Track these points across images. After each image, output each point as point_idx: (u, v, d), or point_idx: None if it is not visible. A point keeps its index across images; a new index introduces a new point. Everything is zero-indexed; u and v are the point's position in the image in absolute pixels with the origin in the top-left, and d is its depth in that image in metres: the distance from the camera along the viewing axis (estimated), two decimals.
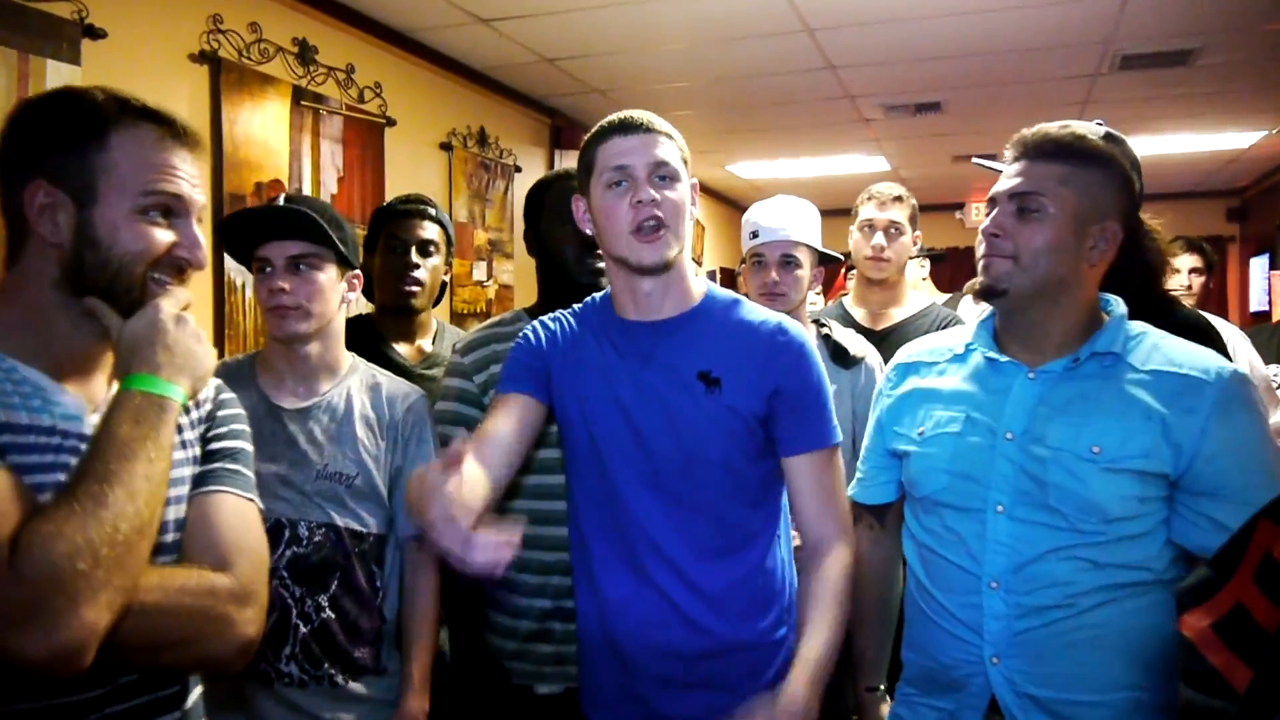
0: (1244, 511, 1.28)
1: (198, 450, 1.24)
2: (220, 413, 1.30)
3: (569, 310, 1.66)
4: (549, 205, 2.00)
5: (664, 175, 1.49)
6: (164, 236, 1.15)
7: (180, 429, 1.21)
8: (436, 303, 2.47)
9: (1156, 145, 6.27)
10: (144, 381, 1.09)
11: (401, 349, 2.34)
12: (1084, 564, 1.37)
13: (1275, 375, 2.86)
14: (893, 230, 2.79)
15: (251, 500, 1.26)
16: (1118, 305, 1.51)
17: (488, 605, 1.96)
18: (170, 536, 1.16)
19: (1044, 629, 1.39)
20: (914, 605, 1.58)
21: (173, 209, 1.15)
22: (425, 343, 2.42)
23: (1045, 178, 1.45)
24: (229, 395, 1.34)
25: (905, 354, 1.70)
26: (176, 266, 1.17)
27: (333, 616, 1.73)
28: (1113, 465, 1.37)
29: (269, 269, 1.75)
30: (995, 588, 1.42)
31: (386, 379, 1.89)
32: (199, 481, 1.22)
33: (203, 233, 1.20)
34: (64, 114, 1.13)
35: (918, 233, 2.90)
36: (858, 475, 1.73)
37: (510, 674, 1.91)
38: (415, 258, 2.33)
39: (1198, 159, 6.84)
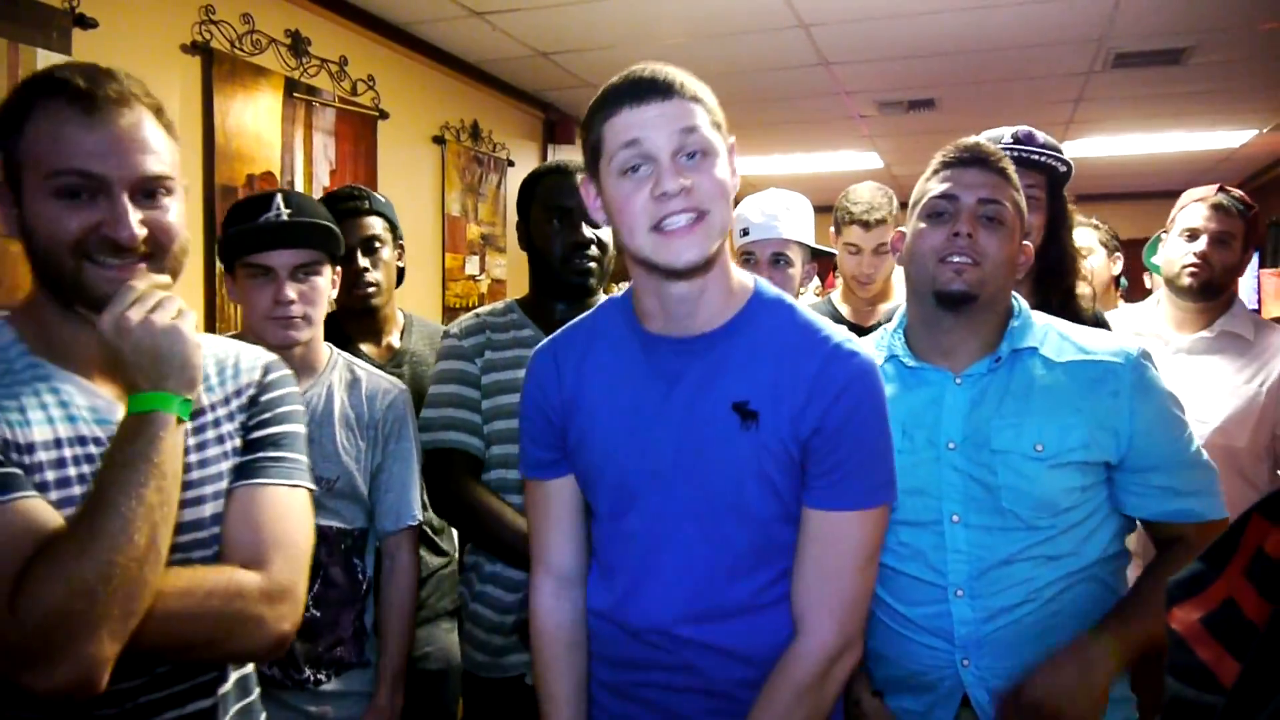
0: (1185, 471, 1.42)
1: (238, 441, 1.21)
2: (264, 396, 1.25)
3: (576, 322, 1.43)
4: (538, 200, 1.99)
5: (694, 151, 1.18)
6: (79, 218, 1.06)
7: (218, 422, 1.20)
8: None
9: (1149, 143, 6.29)
10: (131, 401, 1.05)
11: (368, 348, 2.28)
12: (1041, 560, 1.42)
13: None
14: (880, 250, 2.78)
15: (298, 486, 1.22)
16: (1020, 301, 1.56)
17: (474, 601, 1.97)
18: (207, 532, 1.15)
19: (1011, 625, 1.42)
20: (874, 619, 1.53)
21: (87, 187, 1.06)
22: (393, 339, 2.36)
23: (1001, 190, 1.49)
24: (278, 374, 1.28)
25: None
26: (114, 247, 1.07)
27: (317, 615, 1.73)
28: (1057, 460, 1.41)
29: (268, 276, 1.71)
30: (961, 595, 1.44)
31: (365, 373, 1.88)
32: (239, 473, 1.19)
33: (175, 206, 1.13)
34: (7, 100, 1.10)
35: (903, 229, 2.89)
36: None
37: (500, 667, 1.92)
38: (362, 260, 2.22)
39: (1190, 157, 6.86)
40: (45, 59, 2.43)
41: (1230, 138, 6.30)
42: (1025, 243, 1.55)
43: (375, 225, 2.28)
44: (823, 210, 2.41)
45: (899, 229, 1.61)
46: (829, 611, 1.23)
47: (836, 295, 2.97)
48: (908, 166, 7.05)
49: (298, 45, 3.40)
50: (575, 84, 4.88)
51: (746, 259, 2.30)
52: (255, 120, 3.20)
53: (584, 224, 1.93)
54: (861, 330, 2.57)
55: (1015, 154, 1.89)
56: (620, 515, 1.32)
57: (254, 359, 1.28)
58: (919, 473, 1.46)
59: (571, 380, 1.35)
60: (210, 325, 2.99)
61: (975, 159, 1.52)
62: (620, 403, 1.30)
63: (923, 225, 1.51)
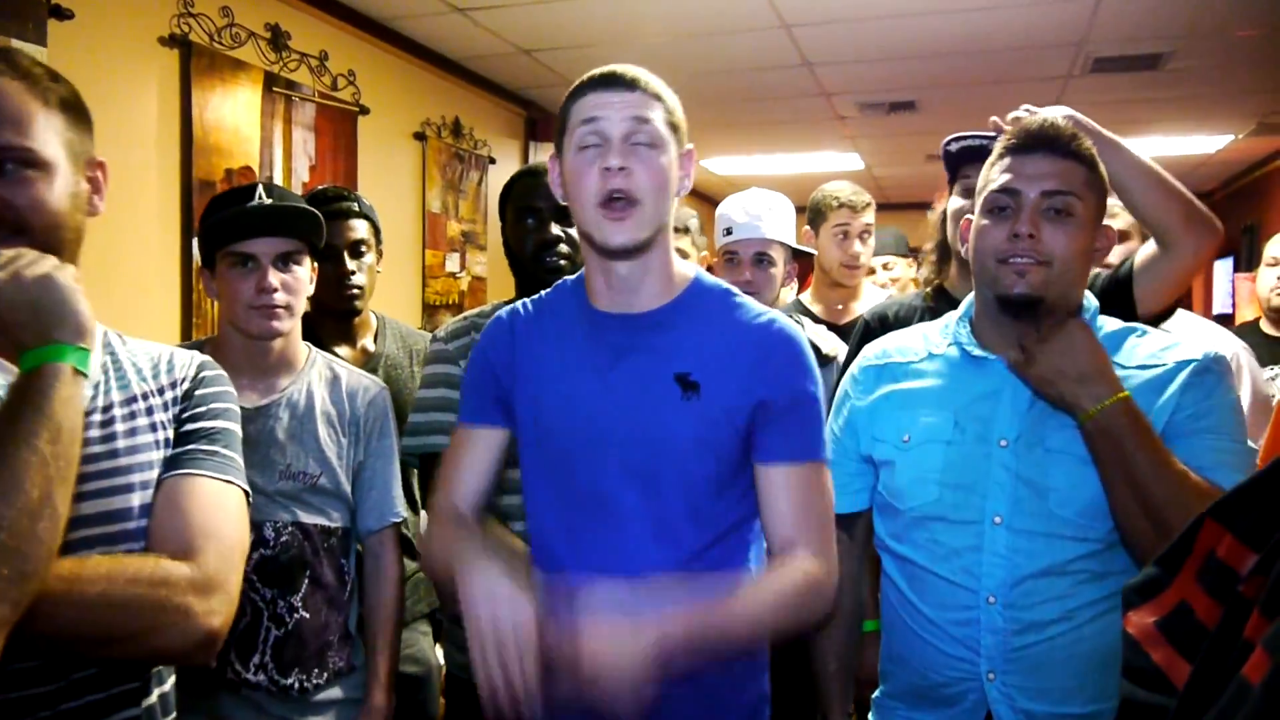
0: (1204, 455, 1.29)
1: (170, 432, 1.18)
2: (199, 391, 1.22)
3: (535, 298, 1.49)
4: (512, 201, 2.02)
5: (642, 140, 1.27)
6: None
7: (150, 410, 1.17)
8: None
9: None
10: (21, 361, 0.99)
11: (343, 351, 2.25)
12: (1084, 576, 1.33)
13: (1273, 376, 2.82)
14: (866, 234, 2.82)
15: (231, 483, 1.18)
16: (1090, 300, 1.47)
17: (449, 609, 1.97)
18: (134, 524, 1.11)
19: (1043, 643, 1.33)
20: (896, 618, 1.49)
21: None
22: (367, 342, 2.33)
23: (1073, 176, 1.37)
24: (213, 373, 1.26)
25: (873, 353, 1.59)
26: (10, 226, 1.04)
27: (306, 617, 1.71)
28: None
29: (250, 265, 1.69)
30: (993, 603, 1.35)
31: (345, 371, 1.87)
32: (170, 464, 1.15)
33: (46, 183, 1.08)
34: None
35: (971, 217, 2.94)
36: None
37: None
38: (350, 263, 2.20)
39: (1166, 163, 6.78)
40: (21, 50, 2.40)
41: (1207, 143, 6.36)
42: (1106, 223, 1.42)
43: (362, 229, 2.26)
44: (804, 210, 2.43)
45: (967, 216, 1.49)
46: (818, 543, 1.29)
47: (807, 295, 2.99)
48: (889, 168, 7.08)
49: (277, 39, 3.37)
50: (557, 82, 4.87)
51: (730, 258, 2.31)
52: (234, 114, 3.17)
53: (554, 223, 1.94)
54: (833, 329, 2.59)
55: (985, 144, 1.89)
56: (562, 481, 1.35)
57: (188, 357, 1.26)
58: (964, 467, 1.38)
59: (523, 348, 1.41)
60: (187, 323, 2.96)
61: (1040, 143, 1.38)
62: (567, 374, 1.36)
63: (984, 221, 1.40)
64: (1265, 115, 5.57)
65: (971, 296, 1.52)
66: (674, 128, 1.32)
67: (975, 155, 1.92)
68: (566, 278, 1.49)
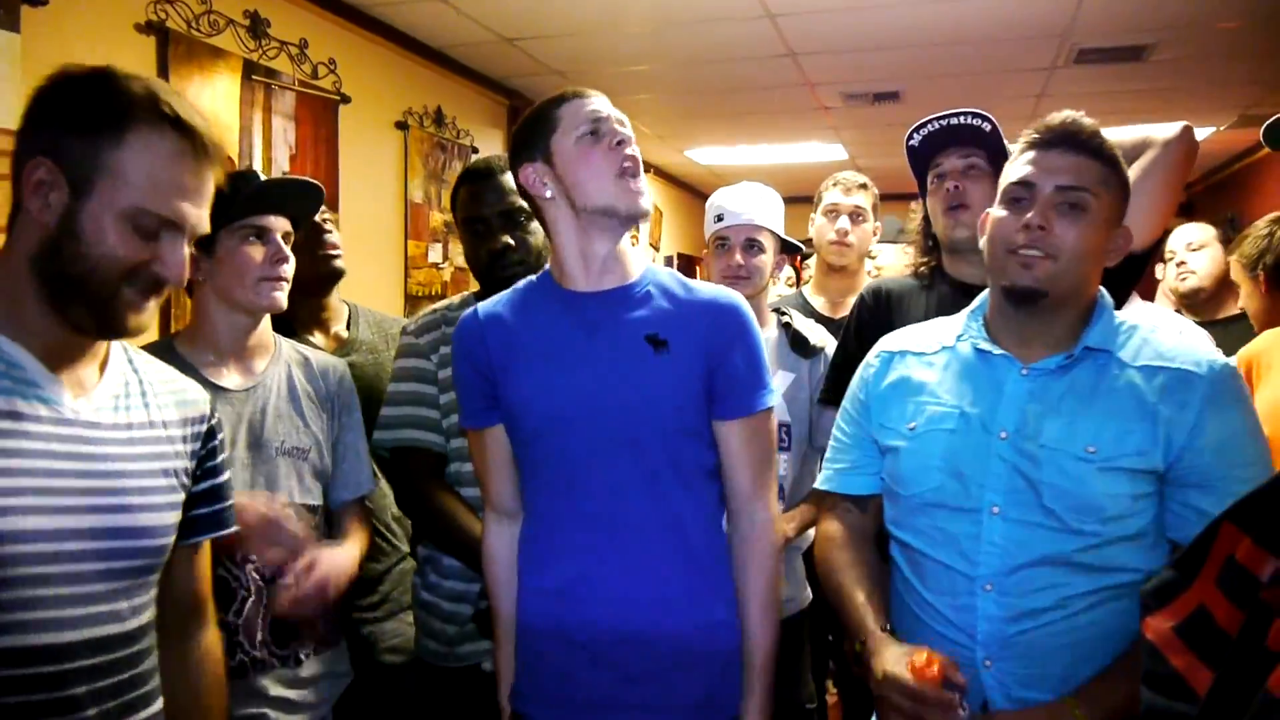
0: (1227, 502, 1.28)
1: (186, 466, 1.27)
2: (216, 440, 1.34)
3: (502, 295, 1.62)
4: (457, 214, 2.05)
5: (627, 129, 1.51)
6: (145, 249, 1.11)
7: (159, 440, 1.22)
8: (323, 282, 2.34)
9: (1110, 138, 6.35)
10: None
11: (317, 339, 2.25)
12: (1079, 567, 1.34)
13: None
14: (857, 216, 2.82)
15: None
16: (1104, 297, 1.48)
17: (427, 592, 2.00)
18: (138, 542, 1.16)
19: (1037, 630, 1.35)
20: (900, 603, 1.52)
21: (165, 229, 1.12)
22: (340, 329, 2.33)
23: (1089, 173, 1.40)
24: (218, 418, 1.36)
25: (893, 341, 1.62)
26: (154, 281, 1.13)
27: None
28: (1108, 464, 1.34)
29: (263, 238, 1.72)
30: (989, 590, 1.37)
31: (311, 352, 1.90)
32: (196, 524, 1.31)
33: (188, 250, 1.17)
34: (90, 96, 1.09)
35: (879, 223, 2.93)
36: (837, 465, 1.63)
37: (456, 656, 1.93)
38: (326, 226, 2.27)
39: None
40: None
41: None
42: (1125, 225, 1.45)
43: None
44: (788, 201, 2.42)
45: (988, 211, 1.51)
46: (768, 506, 1.56)
47: (808, 288, 2.99)
48: (873, 159, 7.08)
49: (256, 26, 3.33)
50: (540, 71, 4.84)
51: (721, 244, 2.31)
52: (212, 103, 3.12)
53: (503, 232, 1.96)
54: (832, 323, 2.59)
55: (949, 123, 1.88)
56: (555, 453, 1.51)
57: (197, 390, 1.34)
58: (966, 457, 1.41)
59: (498, 344, 1.55)
60: (166, 313, 2.92)
61: (1061, 138, 1.41)
62: (549, 352, 1.51)
63: (1001, 212, 1.43)
64: (1247, 107, 5.59)
65: (986, 294, 1.54)
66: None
67: (941, 141, 1.92)
68: (531, 276, 1.62)
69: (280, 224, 1.74)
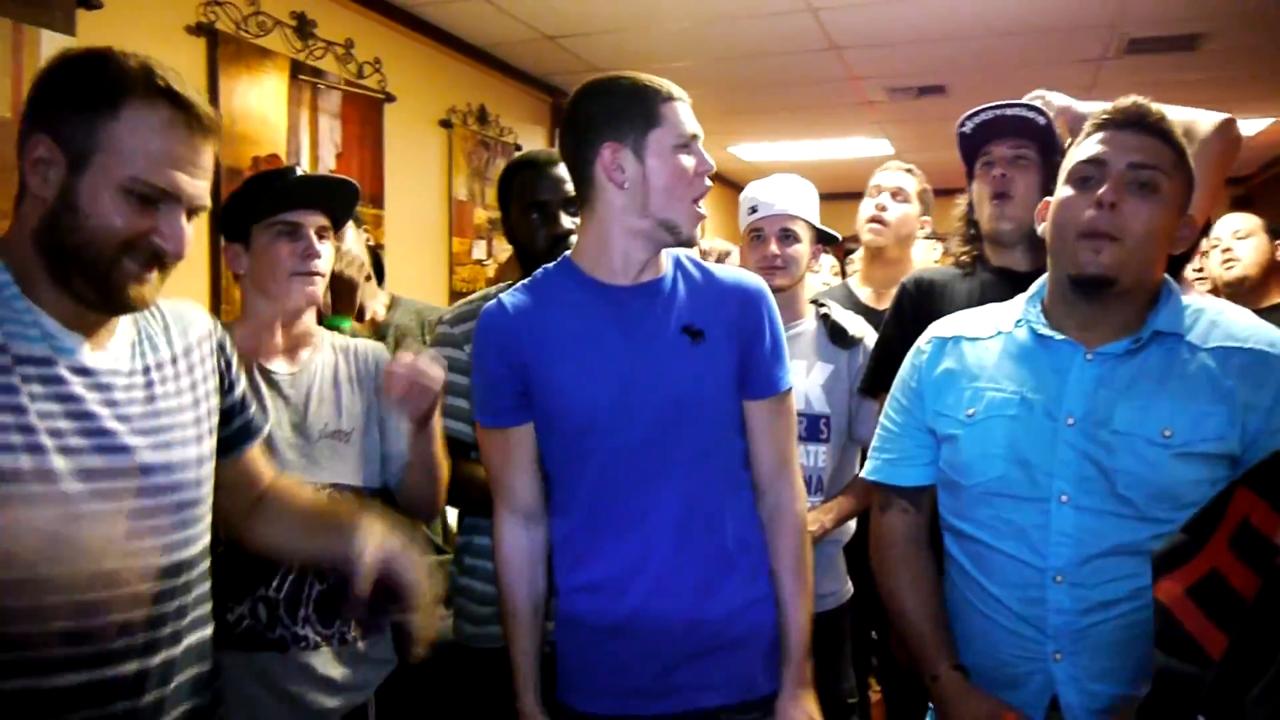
0: None
1: (209, 388, 1.31)
2: (229, 349, 1.37)
3: (524, 285, 1.59)
4: (515, 196, 2.03)
5: (710, 161, 1.54)
6: (143, 221, 1.12)
7: (178, 374, 1.26)
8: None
9: None
10: None
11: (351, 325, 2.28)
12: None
13: None
14: (898, 194, 2.78)
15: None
16: (1170, 281, 1.43)
17: (464, 576, 2.04)
18: (176, 476, 1.21)
19: (1111, 623, 1.32)
20: (959, 596, 1.48)
21: (160, 200, 1.13)
22: (378, 310, 2.42)
23: (1160, 154, 1.36)
24: (222, 332, 1.39)
25: (944, 326, 1.57)
26: (153, 254, 1.14)
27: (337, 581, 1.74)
28: (1186, 449, 1.30)
29: (296, 234, 1.74)
30: (1060, 582, 1.34)
31: (350, 341, 1.92)
32: (242, 434, 1.40)
33: (193, 225, 1.19)
34: (86, 75, 1.12)
35: (928, 217, 2.89)
36: (886, 455, 1.58)
37: (490, 637, 1.95)
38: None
39: None
40: (50, 40, 2.42)
41: (1245, 126, 6.22)
42: (1190, 213, 1.41)
43: None
44: (833, 197, 2.41)
45: (1047, 199, 1.46)
46: (793, 485, 1.60)
47: (854, 280, 2.97)
48: (919, 153, 6.99)
49: (303, 27, 3.38)
50: (582, 69, 4.85)
51: (755, 235, 2.30)
52: (260, 102, 3.18)
53: (562, 214, 1.97)
54: (877, 314, 2.57)
55: (1002, 113, 1.86)
56: (591, 445, 1.51)
57: (195, 314, 1.36)
58: (1030, 444, 1.37)
59: (529, 336, 1.52)
60: (216, 308, 2.98)
61: (1131, 120, 1.38)
62: (588, 348, 1.51)
63: (1068, 191, 1.39)
64: None
65: (1044, 279, 1.49)
66: None
67: (992, 130, 1.90)
68: (545, 265, 1.62)
69: (313, 220, 1.75)
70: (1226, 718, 0.69)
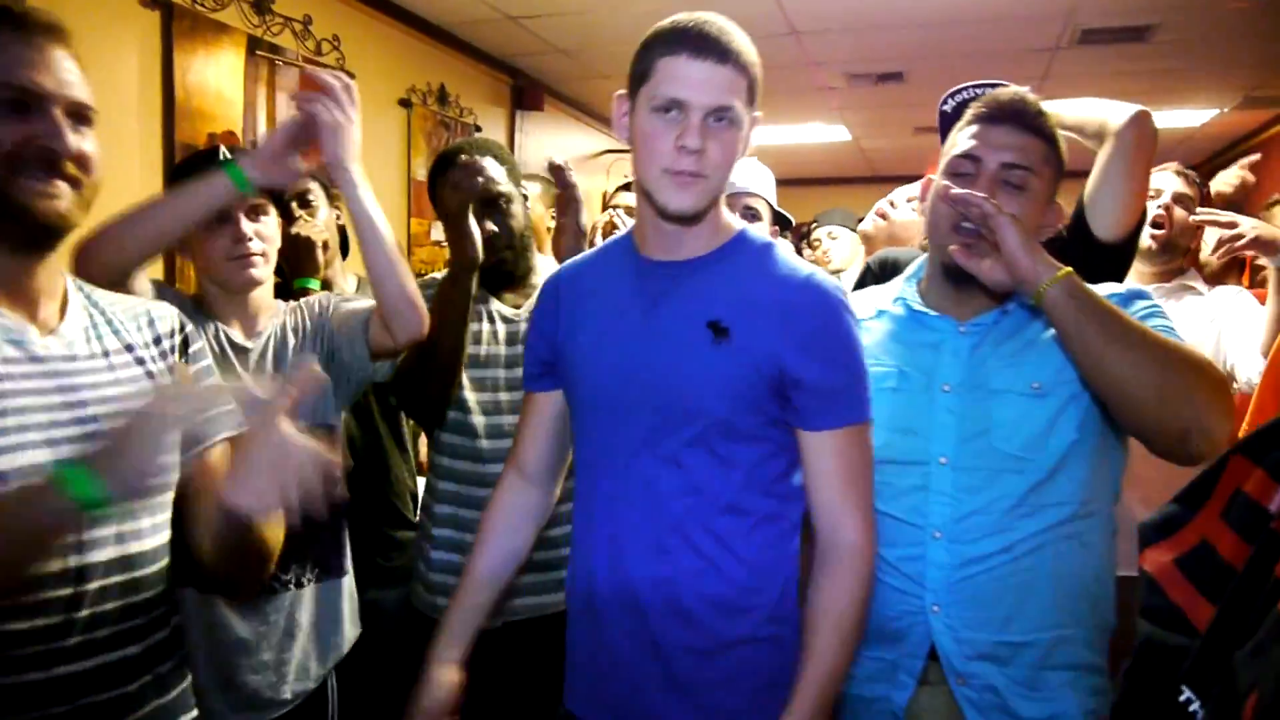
0: None
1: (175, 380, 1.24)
2: (192, 347, 1.31)
3: (593, 253, 1.53)
4: (439, 200, 2.02)
5: (721, 118, 1.28)
6: (17, 129, 1.09)
7: (141, 360, 1.22)
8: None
9: (1066, 116, 6.33)
10: (70, 475, 0.98)
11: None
12: (1024, 509, 1.40)
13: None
14: (911, 201, 2.83)
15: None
16: None
17: (429, 544, 2.07)
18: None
19: (984, 575, 1.41)
20: None
21: (26, 102, 1.10)
22: (343, 286, 2.39)
23: (1032, 152, 1.44)
24: (191, 326, 1.34)
25: None
26: (47, 161, 1.11)
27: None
28: (1054, 394, 1.40)
29: (226, 219, 1.70)
30: (939, 537, 1.43)
31: (300, 303, 1.90)
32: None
33: (90, 133, 1.16)
34: None
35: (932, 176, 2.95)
36: None
37: (441, 607, 1.95)
38: (297, 211, 2.27)
39: None
40: None
41: (1193, 117, 6.37)
42: (1057, 202, 1.50)
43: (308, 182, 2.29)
44: (790, 183, 2.43)
45: (928, 176, 1.53)
46: (858, 529, 1.31)
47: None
48: (876, 140, 7.05)
49: (261, 2, 3.33)
50: (544, 49, 4.82)
51: None
52: (217, 78, 3.13)
53: (484, 218, 1.96)
54: None
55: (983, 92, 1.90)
56: (599, 424, 1.40)
57: (165, 309, 1.33)
58: (911, 413, 1.46)
59: (567, 301, 1.46)
60: (170, 285, 2.93)
61: (1007, 115, 1.45)
62: (608, 317, 1.40)
63: (944, 184, 1.45)
64: (1252, 89, 5.58)
65: (922, 259, 1.60)
66: (752, 97, 1.34)
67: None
68: (620, 232, 1.53)
69: (241, 199, 1.69)
70: (1210, 687, 0.70)
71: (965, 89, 1.92)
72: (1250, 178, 3.15)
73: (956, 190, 1.41)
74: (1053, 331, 1.41)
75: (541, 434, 1.53)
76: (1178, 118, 6.36)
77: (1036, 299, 1.34)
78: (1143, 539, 0.81)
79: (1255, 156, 3.30)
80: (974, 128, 1.48)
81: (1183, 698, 0.71)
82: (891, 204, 2.85)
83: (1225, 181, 3.17)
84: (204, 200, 1.55)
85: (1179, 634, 0.76)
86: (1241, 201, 3.14)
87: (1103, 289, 1.41)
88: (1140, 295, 1.46)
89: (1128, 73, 5.13)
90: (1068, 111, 1.82)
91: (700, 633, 1.33)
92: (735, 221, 1.42)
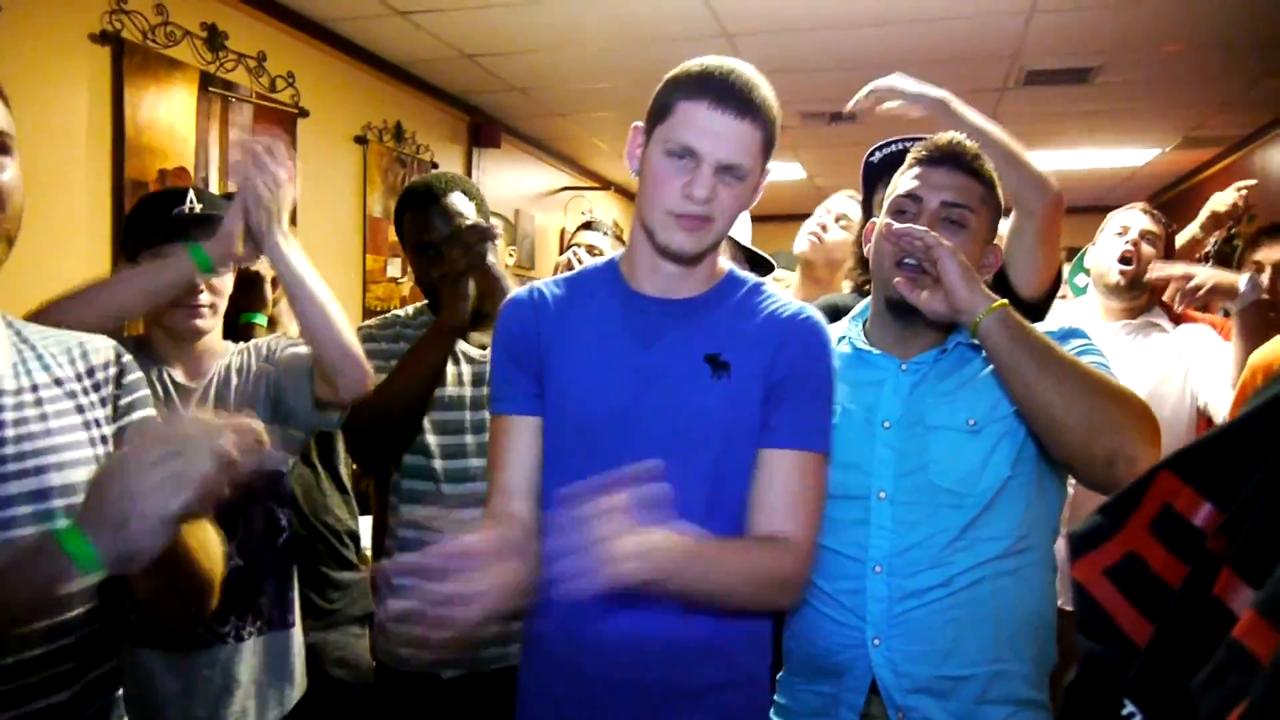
0: None
1: (102, 416, 1.20)
2: (127, 378, 1.25)
3: (564, 278, 1.48)
4: (404, 238, 2.02)
5: (732, 177, 1.29)
6: None
7: (73, 394, 1.18)
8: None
9: (1058, 160, 6.49)
10: (65, 533, 0.94)
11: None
12: (963, 544, 1.42)
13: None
14: (840, 221, 2.83)
15: None
16: None
17: (381, 610, 1.97)
18: (58, 502, 1.10)
19: (922, 608, 1.42)
20: None
21: None
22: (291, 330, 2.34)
23: (970, 192, 1.50)
24: (129, 358, 1.28)
25: None
26: None
27: (240, 563, 1.70)
28: (989, 431, 1.43)
29: None
30: (879, 571, 1.44)
31: (249, 344, 1.87)
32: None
33: (11, 168, 1.13)
34: None
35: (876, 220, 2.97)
36: None
37: (413, 660, 1.92)
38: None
39: (1097, 175, 7.11)
40: None
41: (1135, 156, 6.54)
42: (995, 244, 1.56)
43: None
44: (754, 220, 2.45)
45: (874, 220, 1.57)
46: (807, 533, 1.33)
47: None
48: (831, 178, 7.16)
49: (214, 39, 3.31)
50: (500, 88, 4.85)
51: None
52: (168, 114, 3.10)
53: (453, 250, 1.91)
54: None
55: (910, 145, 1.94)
56: (587, 459, 1.31)
57: (100, 342, 1.28)
58: (852, 448, 1.47)
59: (550, 328, 1.41)
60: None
61: (946, 157, 1.52)
62: (603, 353, 1.37)
63: (887, 220, 1.51)
64: (1190, 130, 5.75)
65: (868, 300, 1.63)
66: (768, 149, 1.35)
67: (898, 162, 1.97)
68: (593, 264, 1.50)
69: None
70: (1156, 702, 0.70)
71: (894, 142, 1.98)
72: (1242, 201, 3.29)
73: (898, 225, 1.45)
74: (990, 369, 1.44)
75: (530, 462, 1.41)
76: (1121, 157, 6.53)
77: (973, 329, 1.37)
78: (1072, 548, 0.81)
79: (1252, 182, 3.41)
80: (915, 169, 1.53)
81: (1125, 711, 0.71)
82: (823, 227, 2.87)
83: (1221, 201, 3.32)
84: (169, 280, 1.56)
85: (1112, 642, 0.76)
86: (1233, 221, 3.39)
87: (1040, 327, 1.45)
88: (1076, 334, 1.49)
89: (1072, 113, 5.27)
90: (994, 152, 1.82)
91: (681, 675, 1.34)
92: (724, 262, 1.46)
